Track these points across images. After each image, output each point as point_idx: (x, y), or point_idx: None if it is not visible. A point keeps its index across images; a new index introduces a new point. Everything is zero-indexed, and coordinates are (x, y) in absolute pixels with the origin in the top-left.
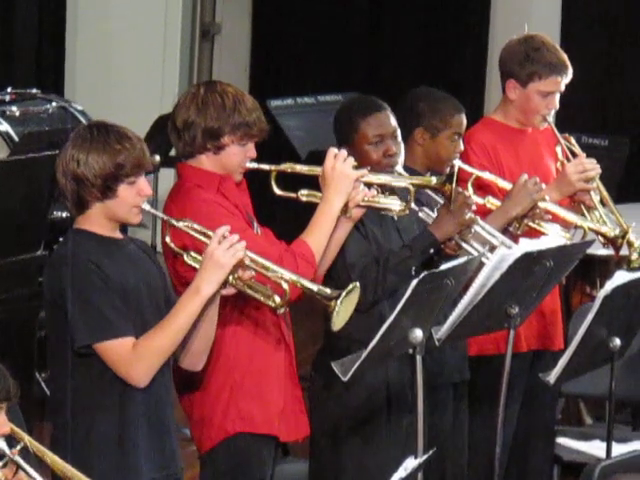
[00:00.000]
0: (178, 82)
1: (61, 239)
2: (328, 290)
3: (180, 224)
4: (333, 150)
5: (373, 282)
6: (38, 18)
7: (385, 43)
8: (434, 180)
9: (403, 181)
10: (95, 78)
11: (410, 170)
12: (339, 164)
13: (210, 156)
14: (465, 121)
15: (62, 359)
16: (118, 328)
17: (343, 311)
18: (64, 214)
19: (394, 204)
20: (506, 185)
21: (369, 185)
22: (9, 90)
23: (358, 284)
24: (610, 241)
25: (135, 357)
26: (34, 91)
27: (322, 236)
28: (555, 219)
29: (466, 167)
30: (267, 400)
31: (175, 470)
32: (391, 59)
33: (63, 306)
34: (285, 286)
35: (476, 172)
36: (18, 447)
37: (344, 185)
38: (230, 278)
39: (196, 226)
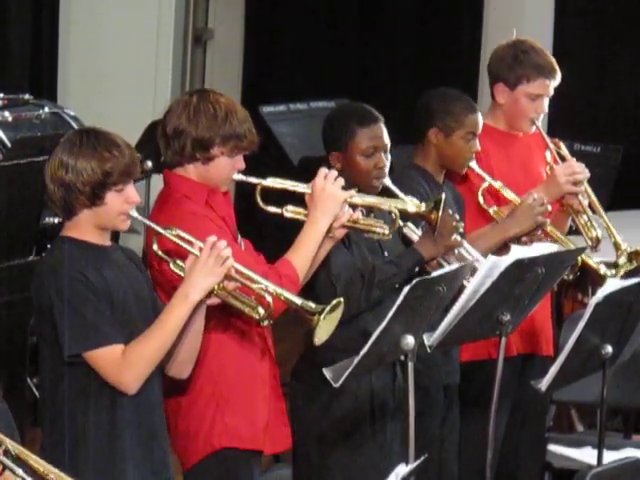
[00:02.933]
0: (171, 88)
1: (49, 246)
2: (312, 304)
3: (167, 232)
4: (324, 170)
5: (357, 296)
6: (31, 24)
7: (377, 50)
8: (423, 207)
9: (389, 205)
10: (88, 84)
11: (421, 170)
12: (329, 185)
13: (198, 166)
14: (480, 121)
15: (52, 366)
16: (106, 336)
17: (326, 326)
18: (56, 220)
19: (378, 227)
20: (514, 197)
21: (354, 206)
22: (1, 95)
23: (342, 300)
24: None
25: (125, 364)
26: (26, 96)
27: (307, 256)
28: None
29: (479, 171)
30: (253, 414)
31: (165, 476)
32: (383, 66)
33: (51, 315)
34: (269, 298)
35: (488, 179)
36: (2, 447)
37: (332, 206)
38: (215, 287)
39: (182, 234)
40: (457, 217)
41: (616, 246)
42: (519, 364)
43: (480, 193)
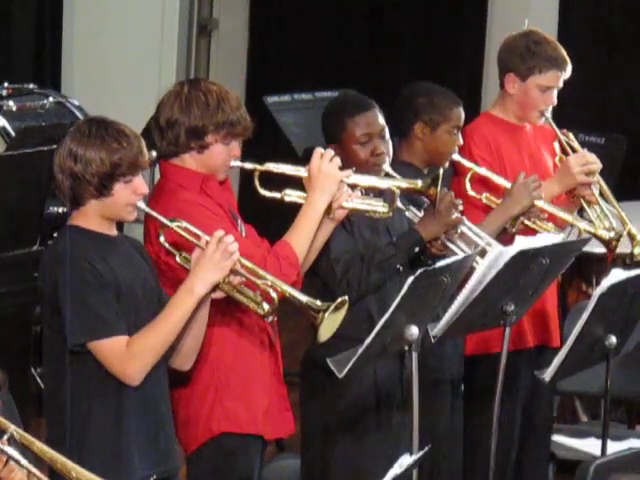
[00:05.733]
0: (175, 78)
1: (56, 234)
2: (318, 302)
3: (173, 224)
4: (319, 150)
5: (357, 278)
6: (35, 13)
7: (382, 39)
8: (419, 183)
9: (388, 183)
10: (92, 73)
11: (409, 165)
12: (325, 165)
13: (194, 155)
14: (463, 114)
15: (57, 356)
16: (112, 327)
17: (329, 323)
18: (60, 209)
19: (378, 206)
20: (503, 182)
21: (353, 186)
22: (6, 85)
23: (347, 298)
24: (604, 243)
25: (129, 355)
26: (31, 86)
27: (306, 237)
28: (550, 219)
29: (464, 162)
30: (252, 399)
31: (171, 467)
32: (388, 56)
33: (57, 304)
34: (274, 294)
35: (474, 167)
36: (5, 437)
37: (329, 186)
38: (220, 281)
39: (189, 227)
40: (454, 194)
41: (631, 236)
42: (535, 355)
43: (467, 180)
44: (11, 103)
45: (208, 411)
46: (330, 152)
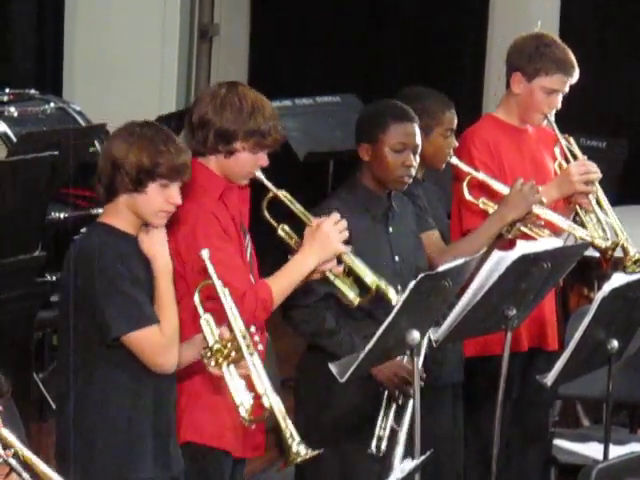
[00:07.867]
0: (176, 83)
1: (83, 230)
2: (303, 451)
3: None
4: (336, 216)
5: (302, 331)
6: (36, 18)
7: (383, 44)
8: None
9: (373, 280)
10: (93, 79)
11: None
12: (334, 234)
13: (220, 158)
14: (456, 117)
15: (77, 355)
16: (149, 316)
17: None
18: (62, 215)
19: (349, 292)
20: (501, 187)
21: (340, 260)
22: (7, 90)
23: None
24: (600, 252)
25: (168, 342)
26: (32, 92)
27: (287, 287)
28: (547, 225)
29: (462, 166)
30: (222, 414)
31: (178, 470)
32: (389, 61)
33: (86, 300)
34: (266, 404)
35: (472, 172)
36: (12, 450)
37: (327, 253)
38: (220, 363)
39: (211, 283)
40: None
41: (624, 251)
42: (528, 359)
43: (465, 185)
44: (12, 109)
45: (179, 417)
46: (344, 223)
